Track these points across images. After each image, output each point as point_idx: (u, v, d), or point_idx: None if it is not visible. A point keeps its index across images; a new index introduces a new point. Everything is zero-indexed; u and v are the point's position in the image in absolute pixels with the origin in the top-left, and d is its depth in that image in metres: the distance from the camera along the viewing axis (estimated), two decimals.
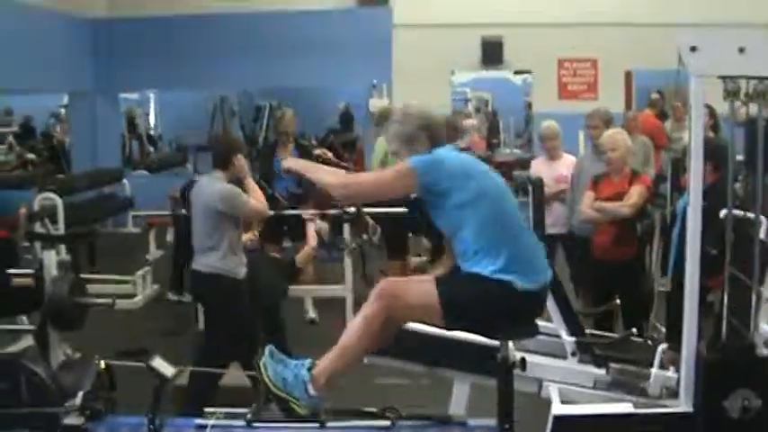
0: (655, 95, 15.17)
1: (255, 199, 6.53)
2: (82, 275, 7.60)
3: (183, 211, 9.43)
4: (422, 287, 4.12)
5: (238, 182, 6.52)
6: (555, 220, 7.90)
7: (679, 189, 7.70)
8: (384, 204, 8.38)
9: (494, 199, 4.12)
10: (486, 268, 4.03)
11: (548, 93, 15.42)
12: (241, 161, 6.53)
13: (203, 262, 6.43)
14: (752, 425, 4.31)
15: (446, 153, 4.20)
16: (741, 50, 4.22)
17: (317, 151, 10.96)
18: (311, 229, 8.01)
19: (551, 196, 8.01)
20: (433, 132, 4.29)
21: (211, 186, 6.44)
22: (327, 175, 4.31)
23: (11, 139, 17.69)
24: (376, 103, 14.91)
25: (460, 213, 4.07)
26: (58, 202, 11.05)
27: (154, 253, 13.06)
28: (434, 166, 4.09)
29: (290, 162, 4.60)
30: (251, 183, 6.63)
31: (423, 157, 4.14)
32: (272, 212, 7.29)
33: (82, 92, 15.60)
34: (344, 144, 17.25)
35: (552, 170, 8.32)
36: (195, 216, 6.62)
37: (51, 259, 6.69)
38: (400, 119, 4.35)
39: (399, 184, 4.18)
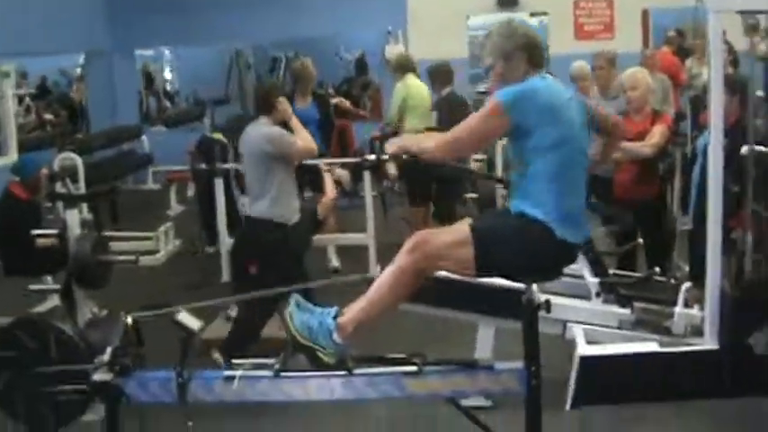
0: (671, 33, 15.00)
1: (302, 139, 6.55)
2: (104, 233, 7.67)
3: (203, 165, 9.45)
4: (456, 239, 4.02)
5: (284, 125, 6.55)
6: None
7: (699, 127, 7.68)
8: None
9: (569, 149, 3.98)
10: (535, 209, 3.95)
11: (564, 34, 15.22)
12: (284, 104, 6.54)
13: (255, 209, 6.49)
14: None
15: (539, 84, 4.03)
16: None
17: (335, 100, 10.95)
18: (329, 180, 8.00)
19: None
20: (532, 54, 4.14)
21: (257, 131, 6.47)
22: (426, 143, 4.30)
23: (28, 101, 17.70)
24: (392, 50, 14.82)
25: (532, 154, 3.97)
26: (78, 161, 11.12)
27: (175, 208, 13.15)
28: (523, 98, 3.94)
29: (394, 148, 4.44)
30: (297, 123, 6.65)
31: (509, 90, 3.98)
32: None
33: (98, 51, 15.59)
34: (362, 87, 17.39)
35: None
36: (245, 165, 6.67)
37: (74, 218, 6.73)
38: (504, 32, 4.17)
39: (491, 125, 4.03)
